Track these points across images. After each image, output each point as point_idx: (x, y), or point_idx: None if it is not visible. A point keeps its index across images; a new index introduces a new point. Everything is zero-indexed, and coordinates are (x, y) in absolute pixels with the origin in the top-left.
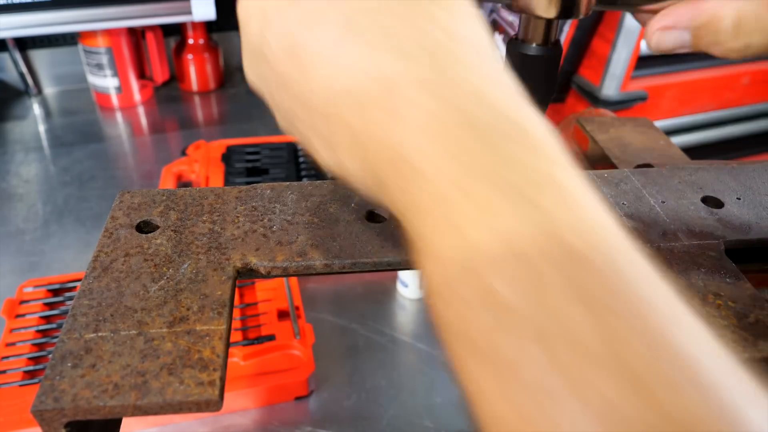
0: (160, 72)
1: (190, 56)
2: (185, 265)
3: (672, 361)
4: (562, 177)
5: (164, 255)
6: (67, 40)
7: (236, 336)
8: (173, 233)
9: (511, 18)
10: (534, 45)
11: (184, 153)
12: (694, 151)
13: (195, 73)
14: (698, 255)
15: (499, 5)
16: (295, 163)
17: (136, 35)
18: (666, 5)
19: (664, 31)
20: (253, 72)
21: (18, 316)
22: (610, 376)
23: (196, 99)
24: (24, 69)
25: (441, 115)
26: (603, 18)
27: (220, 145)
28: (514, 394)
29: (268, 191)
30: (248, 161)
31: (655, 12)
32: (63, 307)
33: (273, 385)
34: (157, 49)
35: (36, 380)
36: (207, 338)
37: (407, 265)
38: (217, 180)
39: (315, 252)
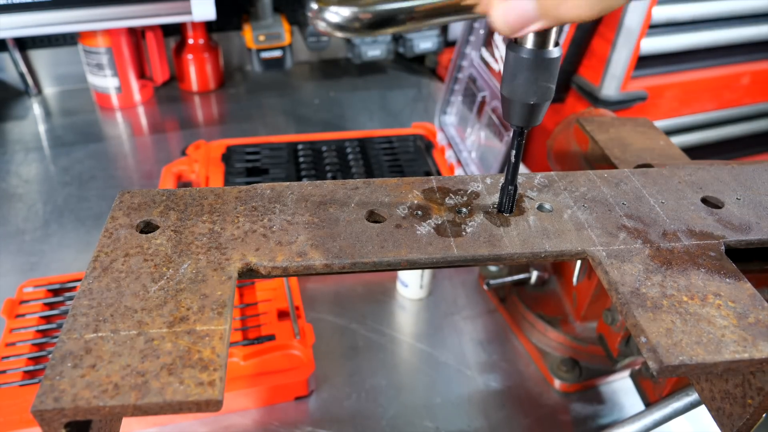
0: (160, 72)
1: (190, 56)
2: (185, 265)
3: None
4: None
5: (164, 255)
6: (67, 40)
7: (236, 336)
8: (173, 233)
9: None
10: (533, 47)
11: (184, 153)
12: (694, 151)
13: (195, 73)
14: (698, 255)
15: None
16: (295, 163)
17: (136, 35)
18: None
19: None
20: None
21: (18, 316)
22: None
23: (196, 99)
24: (24, 69)
25: None
26: (603, 18)
27: (220, 145)
28: None
29: (268, 191)
30: (248, 161)
31: None
32: (63, 307)
33: (273, 385)
34: (157, 49)
35: (36, 380)
36: (207, 338)
37: (407, 265)
38: (217, 180)
39: (315, 252)
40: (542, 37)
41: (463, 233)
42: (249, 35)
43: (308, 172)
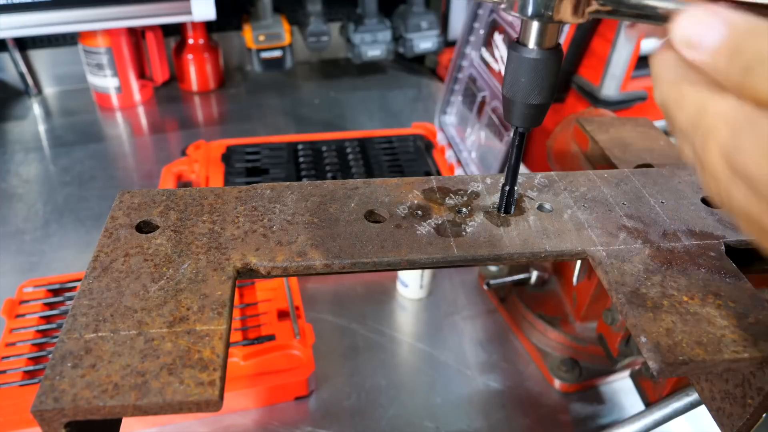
0: (160, 72)
1: (190, 56)
2: (185, 265)
3: None
4: None
5: (164, 255)
6: (67, 40)
7: (236, 336)
8: (173, 233)
9: (511, 18)
10: (535, 48)
11: (184, 153)
12: None
13: (195, 73)
14: (698, 255)
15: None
16: (295, 163)
17: (136, 35)
18: None
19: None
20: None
21: (18, 316)
22: None
23: (196, 99)
24: (24, 69)
25: None
26: (603, 18)
27: (220, 145)
28: None
29: (268, 191)
30: (248, 161)
31: None
32: (63, 307)
33: (273, 385)
34: (157, 49)
35: (36, 380)
36: (207, 338)
37: (407, 265)
38: (217, 180)
39: (315, 252)
40: (544, 37)
41: (463, 233)
42: (249, 35)
43: (308, 172)
